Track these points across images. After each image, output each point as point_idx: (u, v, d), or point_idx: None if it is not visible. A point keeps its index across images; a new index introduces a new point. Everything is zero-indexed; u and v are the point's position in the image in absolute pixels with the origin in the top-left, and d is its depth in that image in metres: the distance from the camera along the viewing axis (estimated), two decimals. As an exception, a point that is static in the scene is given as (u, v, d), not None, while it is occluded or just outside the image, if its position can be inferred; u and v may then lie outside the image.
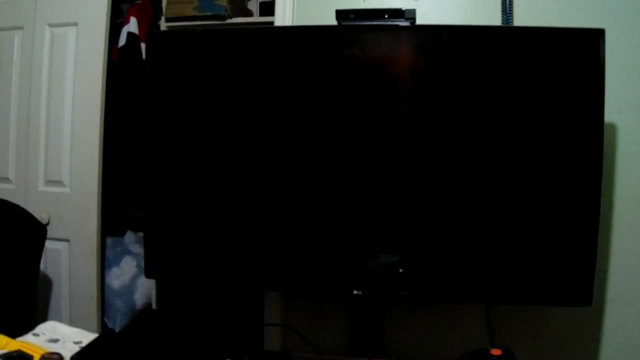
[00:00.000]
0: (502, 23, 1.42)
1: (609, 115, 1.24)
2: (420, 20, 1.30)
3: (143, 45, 2.04)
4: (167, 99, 1.31)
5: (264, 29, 1.56)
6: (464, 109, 1.20)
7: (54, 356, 0.86)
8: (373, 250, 1.24)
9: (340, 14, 1.25)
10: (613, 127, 1.36)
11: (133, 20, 2.08)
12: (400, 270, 1.21)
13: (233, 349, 1.12)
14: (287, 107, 1.26)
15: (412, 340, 1.47)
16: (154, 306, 1.91)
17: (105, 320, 1.99)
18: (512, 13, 1.42)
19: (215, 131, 1.30)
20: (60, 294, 1.89)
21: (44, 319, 1.73)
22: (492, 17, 1.43)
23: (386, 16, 1.22)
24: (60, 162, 1.87)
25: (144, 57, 1.87)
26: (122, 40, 2.07)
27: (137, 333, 1.15)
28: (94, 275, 1.86)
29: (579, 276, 1.17)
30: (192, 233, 1.32)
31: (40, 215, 1.82)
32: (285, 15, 1.57)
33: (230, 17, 1.85)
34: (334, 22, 1.26)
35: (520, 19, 1.41)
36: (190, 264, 1.33)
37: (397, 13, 1.21)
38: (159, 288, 1.90)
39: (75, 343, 1.00)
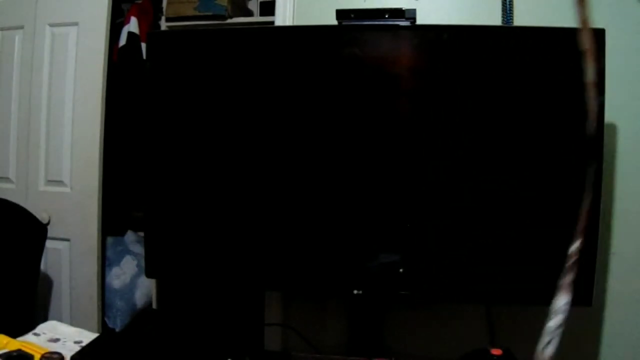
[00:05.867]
0: (503, 23, 1.42)
1: (609, 115, 1.24)
2: (420, 20, 1.30)
3: (143, 45, 2.05)
4: (168, 99, 1.31)
5: (264, 28, 1.56)
6: (465, 109, 1.20)
7: (55, 356, 0.86)
8: (373, 250, 1.23)
9: (341, 14, 1.25)
10: (613, 127, 1.36)
11: (133, 20, 2.09)
12: (401, 270, 1.21)
13: (233, 349, 1.12)
14: (288, 106, 1.26)
15: (412, 340, 1.47)
16: (154, 306, 1.91)
17: (106, 319, 1.99)
18: (512, 13, 1.42)
19: (216, 131, 1.30)
20: (61, 294, 1.89)
21: (44, 318, 1.74)
22: (493, 17, 1.43)
23: (386, 16, 1.22)
24: (61, 162, 1.87)
25: (144, 56, 1.87)
26: (123, 40, 2.08)
27: (138, 333, 1.15)
28: (94, 275, 1.86)
29: (579, 276, 1.17)
30: (192, 233, 1.32)
31: (41, 215, 1.82)
32: (286, 15, 1.57)
33: (231, 17, 1.86)
34: (335, 22, 1.26)
35: (521, 19, 1.41)
36: (191, 264, 1.33)
37: (397, 13, 1.21)
38: (159, 288, 1.90)
39: (76, 343, 1.00)
